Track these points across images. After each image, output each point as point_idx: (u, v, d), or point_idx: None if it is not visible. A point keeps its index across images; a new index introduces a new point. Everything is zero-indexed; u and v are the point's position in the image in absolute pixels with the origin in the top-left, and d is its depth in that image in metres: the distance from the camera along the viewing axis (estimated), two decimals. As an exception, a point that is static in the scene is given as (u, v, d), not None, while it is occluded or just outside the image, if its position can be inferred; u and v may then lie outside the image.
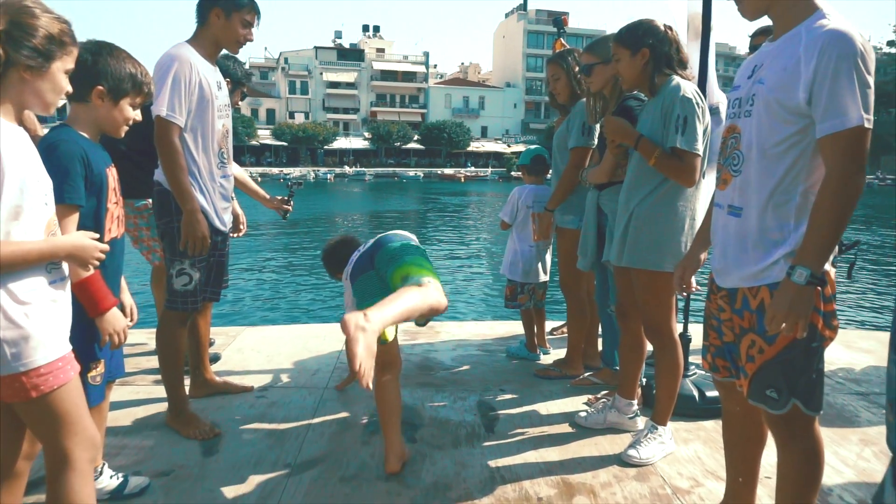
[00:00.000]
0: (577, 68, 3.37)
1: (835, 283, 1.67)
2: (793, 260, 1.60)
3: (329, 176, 58.58)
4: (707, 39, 3.20)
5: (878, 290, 11.69)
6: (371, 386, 1.64)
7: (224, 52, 2.89)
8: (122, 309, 2.05)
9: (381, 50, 75.81)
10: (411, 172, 63.77)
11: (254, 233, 18.08)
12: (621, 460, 2.60)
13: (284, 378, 3.55)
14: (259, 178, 45.87)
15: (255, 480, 2.41)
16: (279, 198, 3.67)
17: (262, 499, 2.30)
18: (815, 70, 1.54)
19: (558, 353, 3.85)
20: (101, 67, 1.88)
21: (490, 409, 3.16)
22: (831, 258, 1.62)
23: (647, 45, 2.52)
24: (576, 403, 3.21)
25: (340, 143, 67.16)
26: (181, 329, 2.83)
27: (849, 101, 1.52)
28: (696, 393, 3.06)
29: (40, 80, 1.52)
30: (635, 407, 2.90)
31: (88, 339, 1.88)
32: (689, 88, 2.49)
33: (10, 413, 1.59)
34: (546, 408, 3.17)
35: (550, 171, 3.76)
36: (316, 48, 70.88)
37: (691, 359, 3.31)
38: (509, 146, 69.52)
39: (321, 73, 69.34)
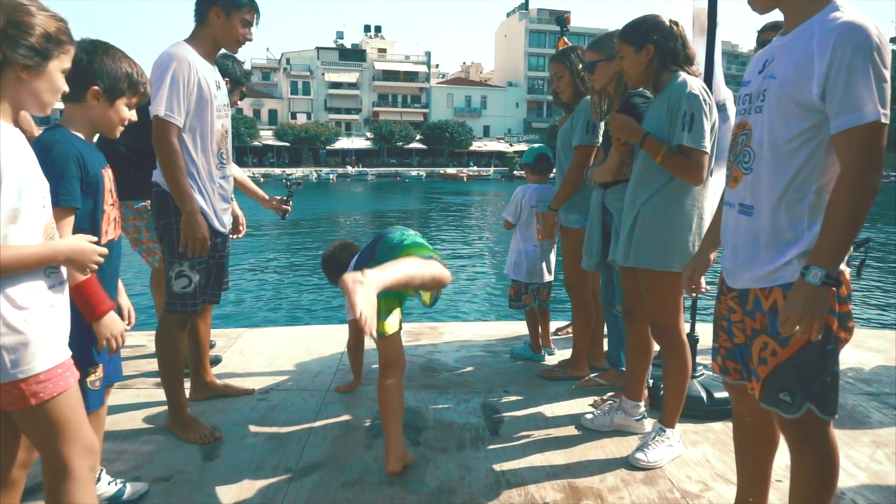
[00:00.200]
0: (580, 66, 3.33)
1: (850, 284, 1.62)
2: (807, 260, 1.55)
3: (332, 176, 58.61)
4: (713, 35, 3.16)
5: (885, 288, 11.62)
6: (375, 334, 1.58)
7: (223, 51, 2.86)
8: (120, 312, 2.02)
9: (382, 50, 75.81)
10: (414, 172, 63.77)
11: (256, 233, 18.10)
12: (629, 463, 2.56)
13: (286, 380, 3.51)
14: (261, 179, 46.06)
15: (255, 485, 2.38)
16: (278, 198, 3.65)
17: (263, 504, 2.26)
18: (828, 64, 1.49)
19: (563, 354, 3.82)
20: (97, 67, 1.85)
21: (494, 411, 3.11)
22: (846, 258, 1.58)
23: (652, 41, 2.47)
24: (581, 405, 3.17)
25: (343, 143, 67.20)
26: (181, 332, 2.80)
27: (864, 96, 1.47)
28: (704, 394, 3.02)
29: (37, 80, 1.49)
30: (642, 409, 2.85)
31: (86, 343, 1.85)
32: (695, 85, 2.44)
33: (6, 421, 1.55)
34: (551, 410, 3.13)
35: (555, 170, 3.72)
36: (318, 48, 70.89)
37: (699, 359, 3.26)
38: (512, 145, 69.48)
39: (323, 74, 69.35)
